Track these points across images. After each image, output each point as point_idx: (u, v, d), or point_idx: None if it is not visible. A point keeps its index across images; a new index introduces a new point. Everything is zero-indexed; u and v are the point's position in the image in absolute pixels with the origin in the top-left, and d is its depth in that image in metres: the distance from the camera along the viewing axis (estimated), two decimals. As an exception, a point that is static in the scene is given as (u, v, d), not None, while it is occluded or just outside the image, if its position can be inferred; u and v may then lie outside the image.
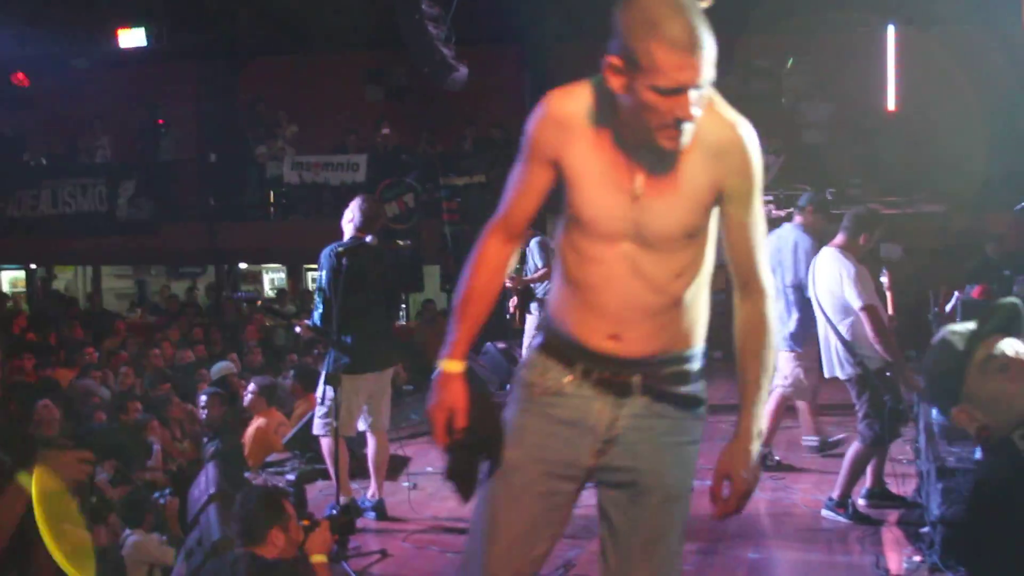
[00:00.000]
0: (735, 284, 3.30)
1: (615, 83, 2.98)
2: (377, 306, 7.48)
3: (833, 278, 7.11)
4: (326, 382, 7.17)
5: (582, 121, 3.20)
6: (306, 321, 7.74)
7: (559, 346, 3.31)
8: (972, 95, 15.61)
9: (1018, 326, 2.90)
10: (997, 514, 2.86)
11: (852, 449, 7.15)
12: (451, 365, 3.31)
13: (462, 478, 3.26)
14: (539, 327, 3.52)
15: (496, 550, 3.30)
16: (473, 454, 3.27)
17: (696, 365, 3.35)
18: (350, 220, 7.47)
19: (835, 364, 7.25)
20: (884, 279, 7.93)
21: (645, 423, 3.26)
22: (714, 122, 3.14)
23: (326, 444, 7.38)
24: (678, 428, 3.33)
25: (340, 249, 7.22)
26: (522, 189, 3.49)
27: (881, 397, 6.91)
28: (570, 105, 3.24)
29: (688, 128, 2.97)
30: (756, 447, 3.31)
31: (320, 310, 7.28)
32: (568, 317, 3.29)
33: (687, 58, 2.86)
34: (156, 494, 7.50)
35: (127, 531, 7.21)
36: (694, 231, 3.17)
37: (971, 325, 2.95)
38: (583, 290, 3.24)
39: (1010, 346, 2.83)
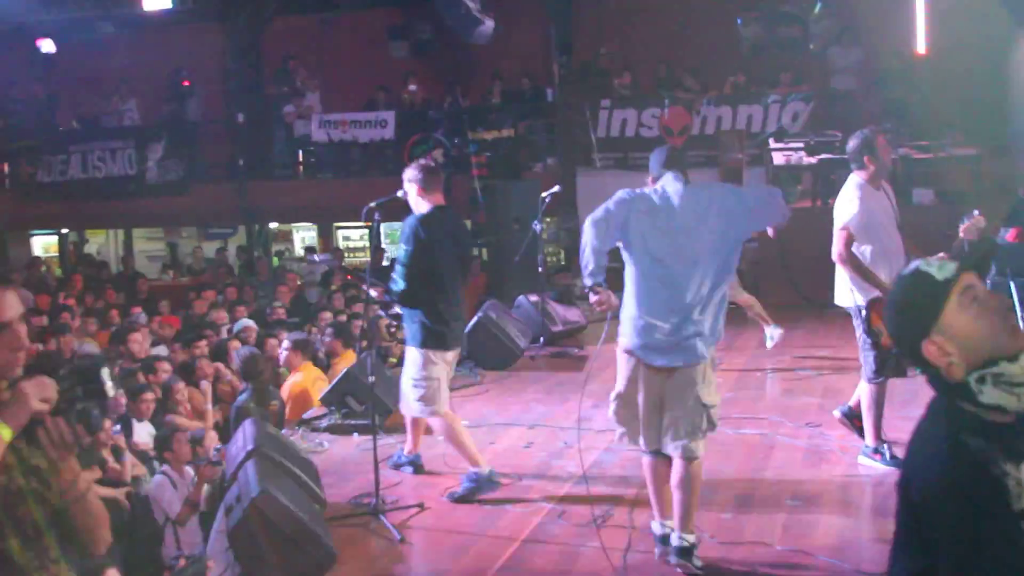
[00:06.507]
0: None
1: None
2: (454, 276, 7.19)
3: (842, 205, 7.04)
4: (425, 363, 6.96)
5: None
6: (384, 294, 7.42)
7: None
8: (1002, 37, 15.42)
9: (988, 265, 2.86)
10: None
11: (865, 394, 7.12)
12: None
13: None
14: None
15: None
16: None
17: None
18: (414, 189, 7.07)
19: (844, 292, 7.15)
20: None
21: None
22: None
23: (439, 424, 7.09)
24: None
25: (421, 220, 6.94)
26: None
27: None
28: None
29: None
30: None
31: (401, 286, 6.94)
32: None
33: None
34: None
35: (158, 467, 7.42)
36: None
37: (945, 259, 2.90)
38: None
39: (980, 283, 2.80)
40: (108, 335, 12.24)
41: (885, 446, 7.12)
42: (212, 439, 8.32)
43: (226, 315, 13.51)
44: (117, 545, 6.92)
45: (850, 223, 6.89)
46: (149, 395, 8.94)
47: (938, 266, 2.78)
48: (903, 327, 2.81)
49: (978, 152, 15.02)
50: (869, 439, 7.18)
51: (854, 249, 6.94)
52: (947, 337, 2.70)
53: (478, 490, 6.85)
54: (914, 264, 2.86)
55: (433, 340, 6.96)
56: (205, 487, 7.50)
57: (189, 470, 7.77)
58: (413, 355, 7.03)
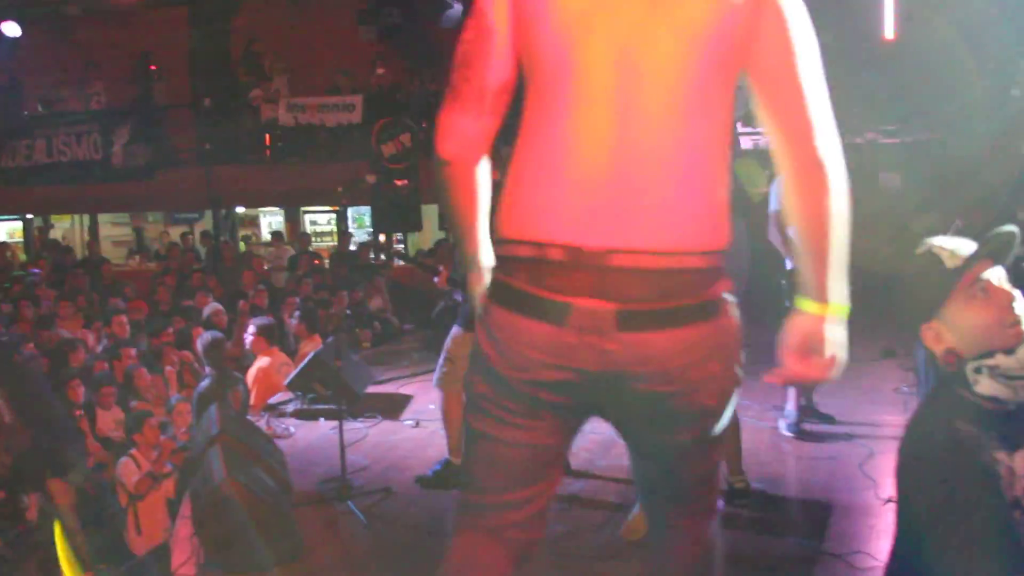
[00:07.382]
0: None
1: None
2: None
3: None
4: (453, 340, 6.84)
5: None
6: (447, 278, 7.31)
7: None
8: (971, 22, 15.46)
9: (1007, 255, 2.84)
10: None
11: None
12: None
13: None
14: None
15: None
16: None
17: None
18: None
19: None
20: None
21: None
22: None
23: (442, 399, 6.96)
24: None
25: None
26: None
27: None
28: None
29: None
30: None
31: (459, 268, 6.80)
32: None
33: None
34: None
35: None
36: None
37: (960, 241, 2.87)
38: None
39: (995, 274, 2.78)
40: (80, 321, 12.23)
41: (795, 414, 7.24)
42: (182, 412, 8.30)
43: (206, 299, 13.29)
44: (83, 531, 6.90)
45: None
46: (110, 388, 8.92)
47: (951, 252, 2.77)
48: (908, 305, 2.81)
49: (942, 137, 15.10)
50: (791, 404, 7.32)
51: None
52: (948, 325, 2.71)
53: (449, 477, 6.80)
54: (931, 242, 2.84)
55: (464, 320, 6.83)
56: (169, 467, 7.51)
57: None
58: (452, 331, 6.95)
